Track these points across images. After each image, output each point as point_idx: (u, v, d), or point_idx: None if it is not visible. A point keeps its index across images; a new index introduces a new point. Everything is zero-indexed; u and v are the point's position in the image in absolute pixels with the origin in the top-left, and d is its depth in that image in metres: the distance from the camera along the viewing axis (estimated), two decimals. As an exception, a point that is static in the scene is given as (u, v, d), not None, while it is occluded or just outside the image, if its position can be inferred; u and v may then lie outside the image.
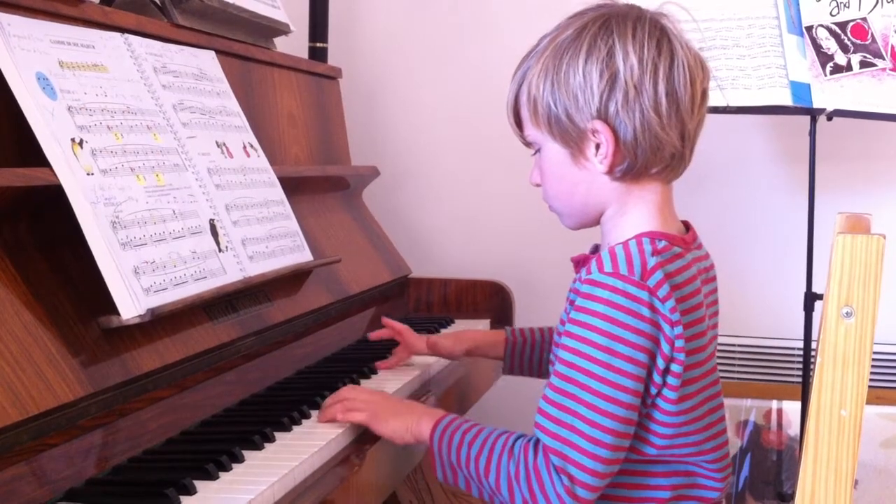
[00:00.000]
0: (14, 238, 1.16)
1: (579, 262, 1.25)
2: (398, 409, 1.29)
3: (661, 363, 1.13)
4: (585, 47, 1.16)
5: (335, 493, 1.16)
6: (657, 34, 1.17)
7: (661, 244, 1.17)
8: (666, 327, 1.12)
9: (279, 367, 1.58)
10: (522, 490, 1.13)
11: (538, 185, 1.26)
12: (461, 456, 1.18)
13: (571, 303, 1.18)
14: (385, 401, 1.32)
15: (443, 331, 1.99)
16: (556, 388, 1.13)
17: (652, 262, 1.14)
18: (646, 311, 1.11)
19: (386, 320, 1.69)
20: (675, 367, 1.13)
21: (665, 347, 1.12)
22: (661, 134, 1.16)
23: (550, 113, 1.19)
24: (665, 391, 1.14)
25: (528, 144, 1.26)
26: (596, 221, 1.25)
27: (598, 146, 1.18)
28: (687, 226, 1.26)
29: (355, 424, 1.33)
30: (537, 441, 1.14)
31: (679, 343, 1.13)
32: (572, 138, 1.19)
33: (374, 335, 1.68)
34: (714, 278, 1.28)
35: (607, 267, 1.13)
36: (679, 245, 1.19)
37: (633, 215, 1.21)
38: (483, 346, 1.60)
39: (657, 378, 1.13)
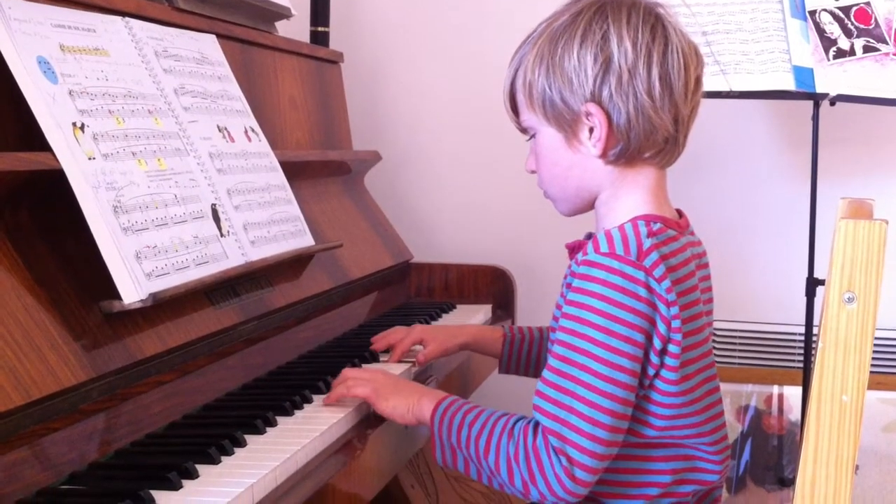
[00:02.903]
0: (16, 222, 1.16)
1: (574, 249, 1.25)
2: (400, 388, 1.29)
3: (657, 343, 1.13)
4: (580, 32, 1.18)
5: (337, 478, 1.17)
6: (651, 20, 1.18)
7: (657, 226, 1.18)
8: (662, 307, 1.13)
9: (281, 352, 1.58)
10: (522, 471, 1.13)
11: (534, 172, 1.28)
12: (461, 437, 1.18)
13: (568, 286, 1.19)
14: (387, 379, 1.32)
15: (444, 316, 2.00)
16: (554, 370, 1.14)
17: (647, 243, 1.14)
18: (642, 291, 1.12)
19: (375, 342, 1.62)
20: (672, 348, 1.14)
21: (661, 327, 1.13)
22: (654, 118, 1.17)
23: (545, 97, 1.20)
24: (664, 372, 1.15)
25: (523, 131, 1.27)
26: (590, 206, 1.26)
27: (591, 130, 1.19)
28: (680, 213, 1.27)
29: (357, 409, 1.33)
30: (537, 423, 1.14)
31: (676, 323, 1.13)
32: (566, 121, 1.20)
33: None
34: (707, 265, 1.29)
35: (603, 248, 1.14)
36: (673, 228, 1.20)
37: (627, 199, 1.21)
38: (480, 340, 1.58)
39: (654, 359, 1.14)
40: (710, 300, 1.28)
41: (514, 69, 1.24)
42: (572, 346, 1.13)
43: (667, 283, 1.13)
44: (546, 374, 1.15)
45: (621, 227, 1.16)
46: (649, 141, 1.19)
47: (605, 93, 1.17)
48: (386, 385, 1.30)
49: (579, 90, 1.18)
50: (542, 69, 1.20)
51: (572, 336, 1.13)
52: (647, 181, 1.22)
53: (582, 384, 1.11)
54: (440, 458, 1.22)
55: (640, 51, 1.16)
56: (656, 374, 1.15)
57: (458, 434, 1.19)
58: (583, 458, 1.11)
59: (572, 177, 1.23)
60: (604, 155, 1.20)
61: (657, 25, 1.18)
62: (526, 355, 1.55)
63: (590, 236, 1.28)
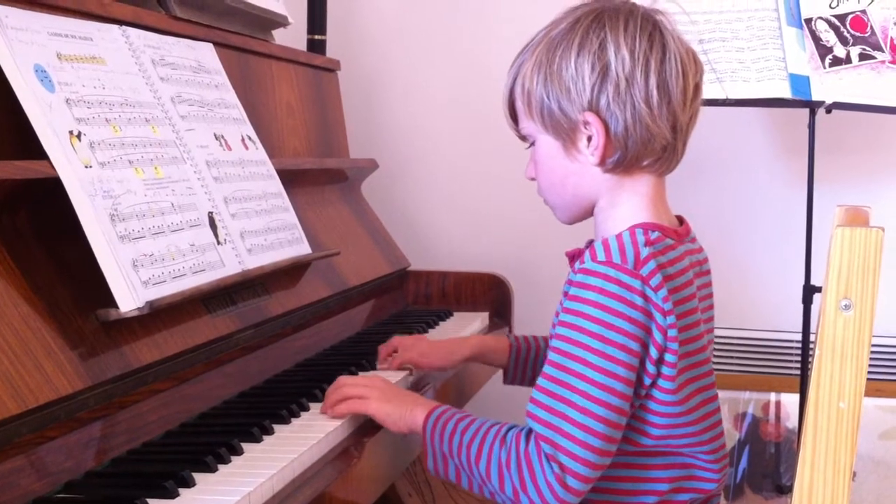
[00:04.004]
0: (13, 230, 1.16)
1: (574, 257, 1.25)
2: (394, 396, 1.29)
3: (654, 353, 1.13)
4: (578, 40, 1.18)
5: (334, 486, 1.17)
6: (649, 28, 1.18)
7: (654, 235, 1.17)
8: (658, 316, 1.12)
9: (278, 360, 1.58)
10: (513, 478, 1.13)
11: (533, 179, 1.28)
12: (453, 444, 1.18)
13: (565, 294, 1.19)
14: (383, 384, 1.32)
15: (441, 323, 1.99)
16: (549, 377, 1.14)
17: (645, 252, 1.14)
18: (638, 300, 1.12)
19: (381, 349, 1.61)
20: (669, 357, 1.14)
21: (657, 337, 1.13)
22: (651, 126, 1.17)
23: (543, 105, 1.20)
24: (661, 381, 1.15)
25: (523, 138, 1.27)
26: (589, 214, 1.26)
27: (589, 138, 1.19)
28: (681, 220, 1.27)
29: (353, 417, 1.33)
30: (530, 430, 1.14)
31: (672, 332, 1.13)
32: (564, 130, 1.20)
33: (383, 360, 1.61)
34: (708, 272, 1.29)
35: (600, 256, 1.14)
36: (671, 237, 1.20)
37: (625, 207, 1.21)
38: (485, 352, 1.56)
39: (651, 368, 1.14)
40: (710, 307, 1.28)
41: (512, 77, 1.24)
42: (567, 354, 1.13)
43: (663, 292, 1.13)
44: (541, 381, 1.15)
45: (619, 236, 1.16)
46: (647, 149, 1.18)
47: (603, 101, 1.17)
48: (381, 391, 1.30)
49: (577, 99, 1.18)
50: (539, 77, 1.20)
51: (568, 343, 1.13)
52: (645, 189, 1.22)
53: (576, 392, 1.11)
54: (432, 466, 1.21)
55: (638, 59, 1.16)
56: (653, 384, 1.15)
57: (449, 442, 1.19)
58: (575, 465, 1.10)
59: (570, 185, 1.23)
60: (602, 163, 1.19)
61: (655, 33, 1.18)
62: (532, 365, 1.54)
63: (590, 244, 1.28)
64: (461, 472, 1.19)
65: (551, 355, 1.15)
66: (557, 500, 1.11)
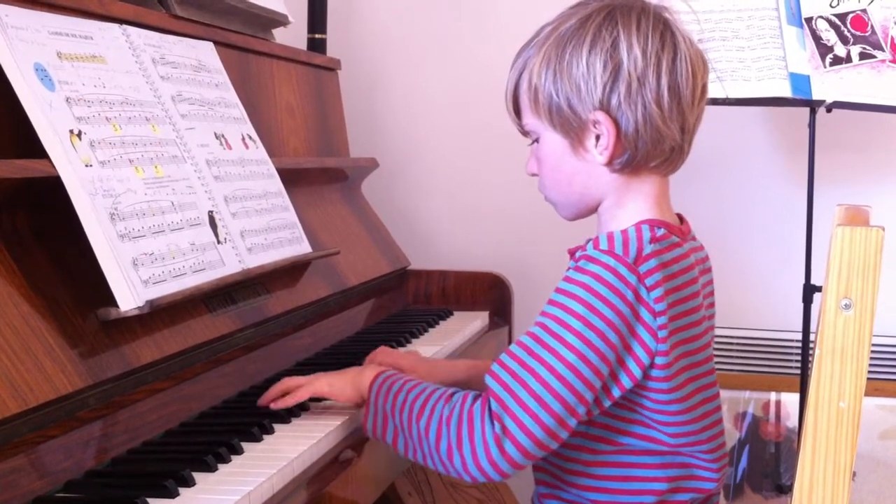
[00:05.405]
0: (12, 230, 1.16)
1: (575, 254, 1.24)
2: (343, 371, 1.31)
3: (639, 352, 1.12)
4: (589, 37, 1.15)
5: (334, 485, 1.17)
6: (661, 27, 1.16)
7: (661, 232, 1.17)
8: (647, 316, 1.12)
9: (278, 359, 1.58)
10: (451, 434, 1.12)
11: (535, 175, 1.26)
12: (397, 401, 1.18)
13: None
14: (326, 372, 1.33)
15: (441, 322, 1.99)
16: (522, 344, 1.13)
17: (648, 249, 1.14)
18: (629, 294, 1.11)
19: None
20: (659, 360, 1.13)
21: (645, 336, 1.12)
22: (662, 127, 1.15)
23: (551, 102, 1.18)
24: (655, 384, 1.14)
25: (525, 133, 1.26)
26: (592, 211, 1.25)
27: (598, 137, 1.17)
28: (681, 218, 1.27)
29: (353, 417, 1.33)
30: (478, 395, 1.14)
31: (662, 333, 1.12)
32: (573, 128, 1.18)
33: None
34: (710, 269, 1.28)
35: (603, 245, 1.14)
36: (676, 234, 1.19)
37: (630, 207, 1.21)
38: (476, 377, 1.50)
39: (635, 369, 1.12)
40: (712, 305, 1.27)
41: (518, 72, 1.22)
42: (546, 328, 1.12)
43: (658, 291, 1.12)
44: (513, 346, 1.14)
45: (624, 230, 1.16)
46: (656, 150, 1.17)
47: (614, 101, 1.15)
48: (326, 374, 1.31)
49: (587, 97, 1.16)
50: (548, 74, 1.17)
51: (549, 319, 1.12)
52: (650, 189, 1.21)
53: (544, 364, 1.10)
54: (371, 426, 1.21)
55: (650, 59, 1.14)
56: (644, 382, 1.13)
57: (394, 399, 1.18)
58: (517, 432, 1.09)
59: (576, 183, 1.22)
60: (610, 163, 1.18)
61: (666, 33, 1.16)
62: None
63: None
64: (399, 433, 1.18)
65: (531, 327, 1.14)
66: (489, 461, 1.10)
